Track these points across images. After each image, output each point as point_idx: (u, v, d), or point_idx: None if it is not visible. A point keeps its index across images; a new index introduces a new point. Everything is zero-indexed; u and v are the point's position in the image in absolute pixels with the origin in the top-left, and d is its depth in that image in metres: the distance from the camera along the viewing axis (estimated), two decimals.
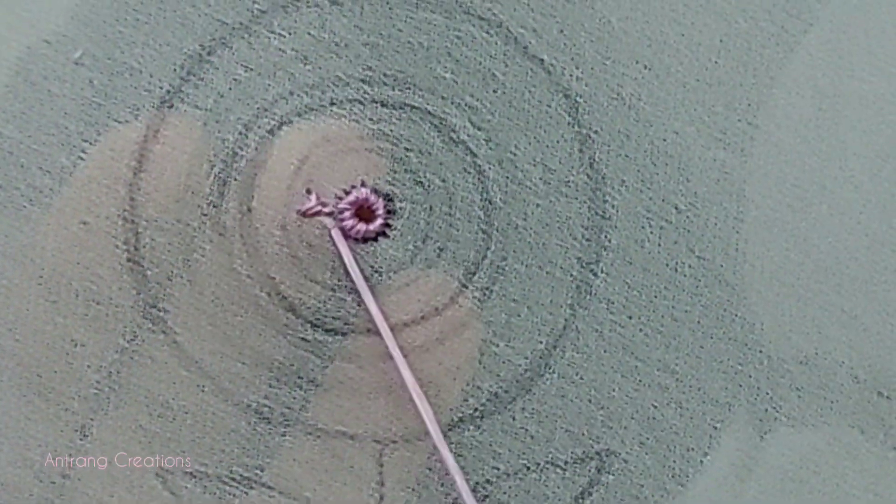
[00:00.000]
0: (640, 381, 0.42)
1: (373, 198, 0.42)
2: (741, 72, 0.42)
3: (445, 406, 0.41)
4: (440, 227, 0.42)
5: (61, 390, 0.41)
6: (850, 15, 0.42)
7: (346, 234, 0.41)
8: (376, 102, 0.42)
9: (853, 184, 0.42)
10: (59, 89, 0.42)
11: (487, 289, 0.42)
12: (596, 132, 0.42)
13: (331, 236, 0.41)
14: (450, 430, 0.41)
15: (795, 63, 0.42)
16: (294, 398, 0.41)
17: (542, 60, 0.42)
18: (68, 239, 0.41)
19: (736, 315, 0.42)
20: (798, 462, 0.42)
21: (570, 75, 0.42)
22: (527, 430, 0.42)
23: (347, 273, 0.41)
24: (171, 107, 0.42)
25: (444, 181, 0.42)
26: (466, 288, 0.42)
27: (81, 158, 0.41)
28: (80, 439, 0.41)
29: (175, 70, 0.42)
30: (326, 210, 0.41)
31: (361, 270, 0.41)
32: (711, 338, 0.42)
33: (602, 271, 0.42)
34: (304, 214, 0.41)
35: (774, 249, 0.42)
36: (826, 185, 0.42)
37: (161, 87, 0.42)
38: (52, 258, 0.41)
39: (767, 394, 0.42)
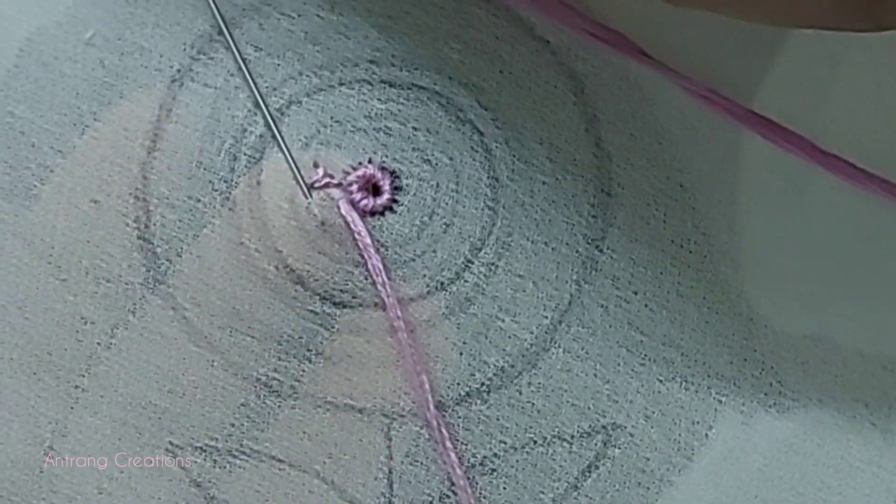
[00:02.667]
0: (645, 355, 0.42)
1: (380, 174, 0.42)
2: (738, 53, 0.42)
3: (452, 380, 0.41)
4: (447, 204, 0.42)
5: (71, 367, 0.41)
6: None
7: (353, 207, 0.42)
8: (384, 83, 0.42)
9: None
10: (71, 69, 0.42)
11: (493, 264, 0.42)
12: (601, 111, 0.42)
13: (338, 208, 0.41)
14: (457, 404, 0.41)
15: (789, 44, 0.43)
16: (303, 371, 0.41)
17: (547, 42, 0.42)
18: (78, 217, 0.41)
19: (741, 290, 0.42)
20: (803, 436, 0.42)
21: (576, 56, 0.42)
22: (533, 404, 0.42)
23: (356, 244, 0.41)
24: (182, 86, 0.42)
25: (451, 159, 0.42)
26: (472, 263, 0.42)
27: (94, 138, 0.42)
28: (91, 416, 0.41)
29: (185, 50, 0.42)
30: (334, 182, 0.42)
31: (372, 240, 0.41)
32: (716, 313, 0.42)
33: (608, 248, 0.42)
34: (312, 187, 0.41)
35: (772, 225, 0.42)
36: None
37: (172, 67, 0.42)
38: (62, 237, 0.41)
39: (772, 368, 0.42)
